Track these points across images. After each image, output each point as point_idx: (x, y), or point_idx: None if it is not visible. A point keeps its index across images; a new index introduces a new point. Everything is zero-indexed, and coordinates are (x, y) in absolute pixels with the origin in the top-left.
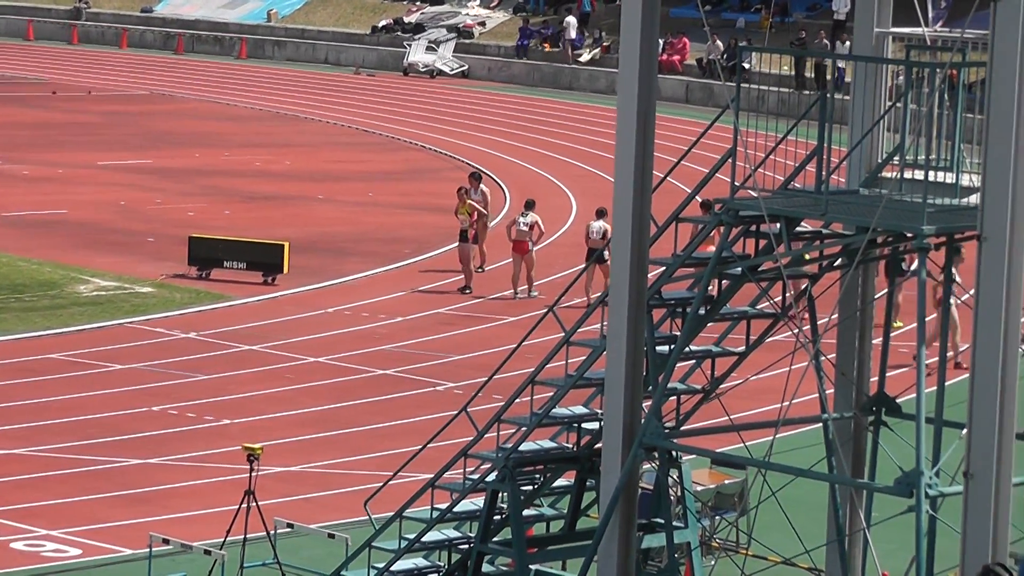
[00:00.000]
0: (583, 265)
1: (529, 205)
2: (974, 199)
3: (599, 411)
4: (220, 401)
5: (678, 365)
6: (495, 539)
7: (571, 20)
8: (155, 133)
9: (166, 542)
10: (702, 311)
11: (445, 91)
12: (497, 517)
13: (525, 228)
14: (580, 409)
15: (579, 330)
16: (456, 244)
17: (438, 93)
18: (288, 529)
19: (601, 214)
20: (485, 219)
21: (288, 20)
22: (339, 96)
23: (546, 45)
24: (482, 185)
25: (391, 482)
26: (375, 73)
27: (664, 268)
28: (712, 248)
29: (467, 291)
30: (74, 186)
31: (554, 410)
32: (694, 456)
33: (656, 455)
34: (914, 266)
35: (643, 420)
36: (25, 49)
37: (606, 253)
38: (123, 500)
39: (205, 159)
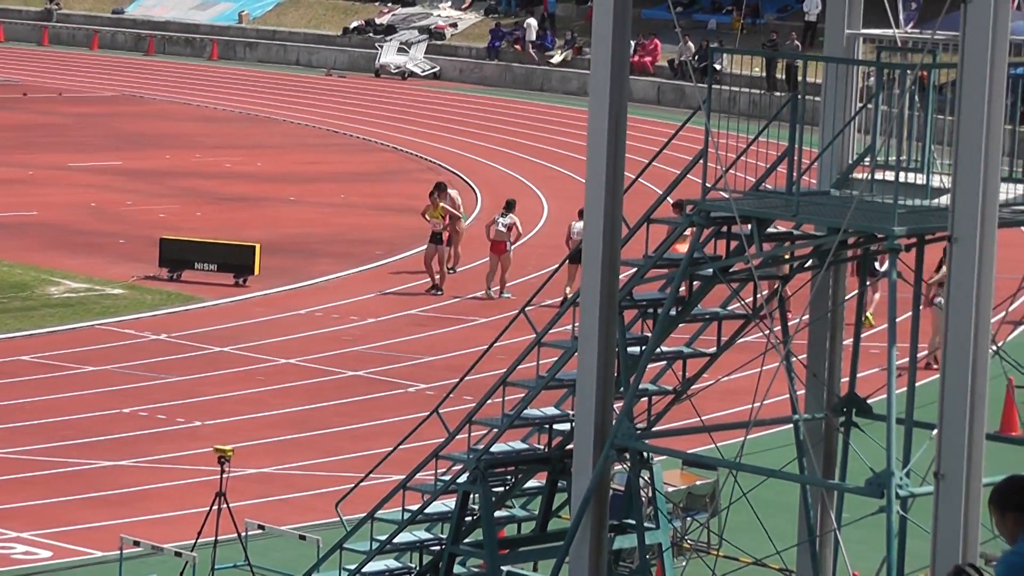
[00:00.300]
0: (555, 266)
1: (509, 206)
2: (944, 200)
3: (570, 412)
4: (191, 403)
5: (649, 366)
6: (467, 540)
7: (531, 22)
8: (126, 134)
9: (137, 544)
10: (673, 312)
11: (417, 92)
12: (469, 518)
13: (503, 229)
14: (551, 410)
15: (551, 331)
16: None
17: (410, 94)
18: (259, 531)
19: (584, 214)
20: (459, 221)
21: (259, 21)
22: (310, 97)
23: (517, 47)
24: (450, 191)
25: (363, 483)
26: (346, 74)
27: (636, 269)
28: (684, 249)
29: (438, 292)
30: (45, 187)
31: (526, 411)
32: (665, 457)
33: (627, 456)
34: (884, 267)
35: (614, 421)
36: None
37: None
38: (94, 502)
39: (176, 160)
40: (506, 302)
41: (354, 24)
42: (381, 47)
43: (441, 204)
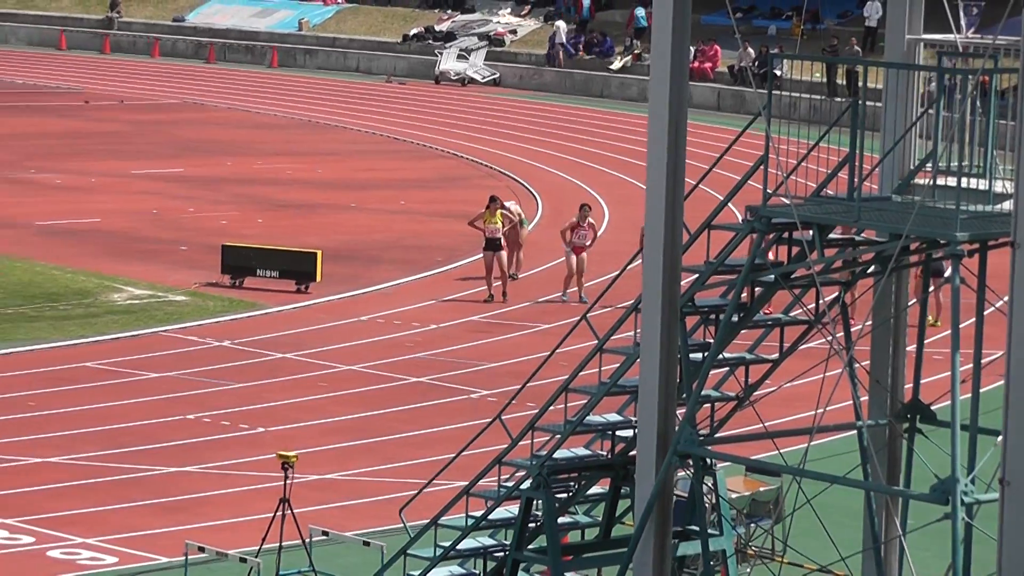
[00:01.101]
0: (616, 272)
1: (587, 208)
2: (1007, 205)
3: (633, 418)
4: (254, 409)
5: (712, 372)
6: (530, 547)
7: (560, 24)
8: (187, 142)
9: (202, 550)
10: (735, 318)
11: (476, 99)
12: (532, 525)
13: (586, 230)
14: (614, 416)
15: (613, 337)
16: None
17: (469, 101)
18: (323, 537)
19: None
20: (521, 227)
21: (319, 29)
22: (370, 104)
23: (581, 52)
24: (508, 203)
25: (426, 490)
26: (406, 81)
27: (697, 275)
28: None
29: (500, 299)
30: (107, 195)
31: (588, 417)
32: (728, 463)
33: (690, 462)
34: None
35: (677, 427)
36: (57, 59)
37: None
38: (159, 508)
39: (237, 167)
40: (565, 307)
41: (413, 31)
42: (440, 54)
43: (499, 211)
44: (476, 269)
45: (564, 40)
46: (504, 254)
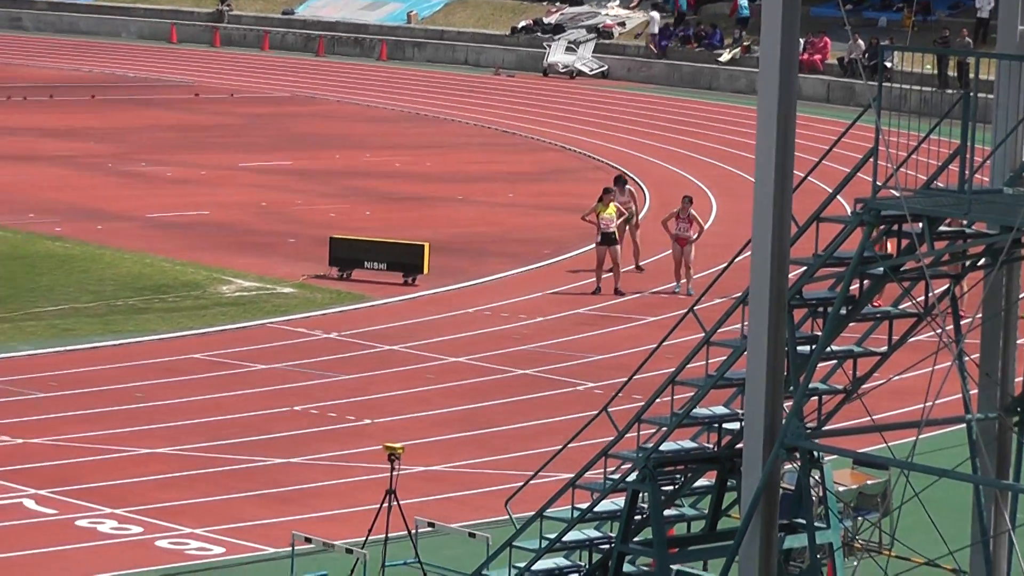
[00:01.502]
0: (724, 264)
1: (688, 200)
2: None
3: (740, 411)
4: (361, 401)
5: (819, 365)
6: (636, 539)
7: (655, 15)
8: (296, 134)
9: (308, 541)
10: (843, 311)
11: (584, 91)
12: (638, 517)
13: (687, 222)
14: (721, 409)
15: (719, 330)
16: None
17: (577, 93)
18: (429, 528)
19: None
20: (635, 219)
21: (428, 21)
22: (479, 97)
23: (692, 45)
24: (628, 187)
25: (532, 482)
26: (514, 74)
27: (805, 268)
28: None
29: (613, 293)
30: (216, 187)
31: (695, 410)
32: (836, 456)
33: (797, 455)
34: None
35: (784, 420)
36: (168, 52)
37: None
38: (266, 499)
39: (346, 160)
40: (672, 300)
41: (522, 23)
42: (549, 46)
43: (612, 203)
44: (584, 261)
45: (656, 31)
46: (619, 248)
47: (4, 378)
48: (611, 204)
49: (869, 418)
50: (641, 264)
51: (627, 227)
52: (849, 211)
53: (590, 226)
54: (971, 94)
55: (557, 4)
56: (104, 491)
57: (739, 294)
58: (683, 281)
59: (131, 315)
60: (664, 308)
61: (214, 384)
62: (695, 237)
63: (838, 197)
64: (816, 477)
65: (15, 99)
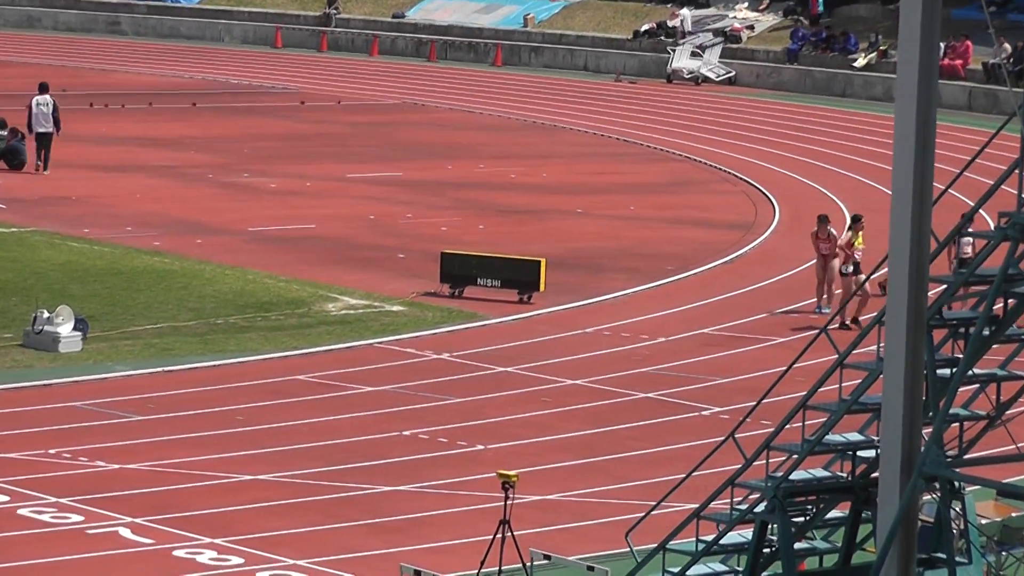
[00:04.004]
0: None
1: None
2: None
3: (875, 438)
4: (473, 425)
5: (960, 389)
6: (764, 574)
7: (685, 12)
8: (406, 144)
9: (418, 573)
10: (986, 332)
11: (710, 98)
12: (767, 550)
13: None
14: (855, 436)
15: (854, 352)
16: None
17: (703, 101)
18: (545, 561)
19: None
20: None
21: (545, 25)
22: (599, 105)
23: (823, 50)
24: (830, 227)
25: (654, 512)
26: (636, 80)
27: (945, 286)
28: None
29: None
30: (322, 200)
31: (827, 436)
32: (978, 487)
33: (937, 485)
34: None
35: (923, 448)
36: (273, 57)
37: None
38: (372, 529)
39: (458, 171)
40: (804, 319)
41: (644, 27)
42: (673, 51)
43: (861, 232)
44: (709, 279)
45: (690, 28)
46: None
47: (100, 400)
48: (860, 232)
49: (1014, 446)
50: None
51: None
52: (992, 225)
53: (715, 242)
54: None
55: (682, 7)
56: (203, 519)
57: (875, 313)
58: (824, 297)
59: (232, 334)
60: (794, 328)
61: (319, 407)
62: (837, 256)
63: (980, 211)
64: (957, 509)
65: (113, 107)
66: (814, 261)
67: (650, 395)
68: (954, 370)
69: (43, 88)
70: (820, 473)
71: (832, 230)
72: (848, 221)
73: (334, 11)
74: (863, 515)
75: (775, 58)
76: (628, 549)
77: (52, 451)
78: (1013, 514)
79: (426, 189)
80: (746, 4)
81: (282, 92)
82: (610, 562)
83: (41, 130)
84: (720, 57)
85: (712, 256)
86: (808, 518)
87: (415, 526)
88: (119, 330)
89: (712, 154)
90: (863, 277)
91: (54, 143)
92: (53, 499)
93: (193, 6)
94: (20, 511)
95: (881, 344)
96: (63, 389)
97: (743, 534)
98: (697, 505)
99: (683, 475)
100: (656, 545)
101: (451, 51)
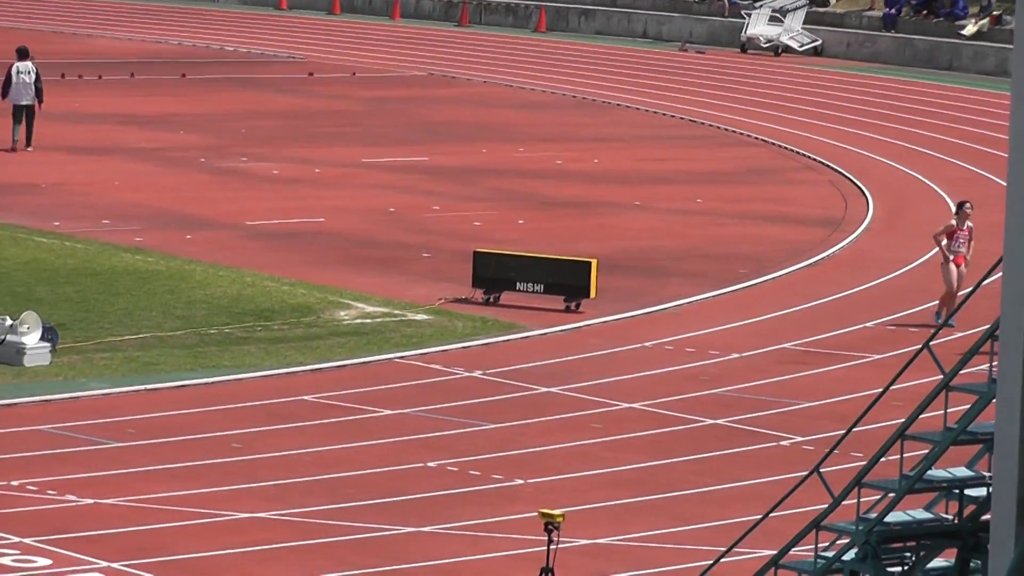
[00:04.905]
0: (970, 288)
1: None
2: None
3: (987, 474)
4: (511, 456)
5: None
6: None
7: None
8: (433, 124)
9: None
10: None
11: (792, 72)
12: None
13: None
14: (962, 471)
15: (962, 371)
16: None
17: (784, 74)
18: None
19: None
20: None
21: None
22: (660, 78)
23: (925, 15)
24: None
25: (723, 560)
26: (705, 49)
27: None
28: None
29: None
30: (333, 189)
31: (929, 472)
32: None
33: None
34: None
35: None
36: (277, 20)
37: None
38: None
39: (494, 156)
40: (904, 334)
41: None
42: (749, 16)
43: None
44: (790, 284)
45: None
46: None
47: (72, 423)
48: (967, 222)
49: None
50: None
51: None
52: None
53: (798, 241)
54: None
55: None
56: (192, 564)
57: (987, 326)
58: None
59: (227, 346)
60: (891, 343)
61: (329, 433)
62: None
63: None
64: None
65: (88, 78)
66: (917, 264)
67: (719, 421)
68: None
69: (23, 54)
70: (920, 515)
71: (971, 224)
72: (954, 208)
73: None
74: (971, 564)
75: (869, 24)
76: None
77: (15, 483)
78: None
79: (456, 177)
80: None
81: (287, 62)
82: None
83: (23, 102)
84: (804, 23)
85: (793, 258)
86: (906, 568)
87: (443, 573)
88: (94, 341)
89: (794, 137)
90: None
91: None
92: (16, 539)
93: None
94: None
95: (994, 364)
96: (28, 410)
97: None
98: (775, 552)
99: (759, 516)
100: None
101: (486, 14)
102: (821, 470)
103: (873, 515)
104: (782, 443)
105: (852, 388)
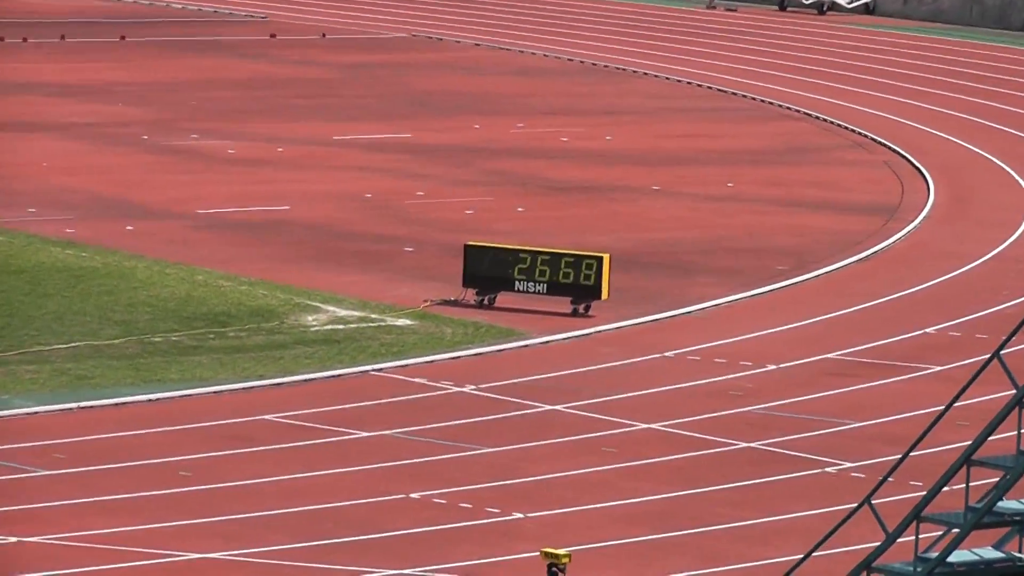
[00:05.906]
0: None
1: None
2: None
3: None
4: (509, 485)
5: None
6: None
7: None
8: (417, 94)
9: None
10: None
11: (840, 33)
12: None
13: None
14: None
15: None
16: None
17: (829, 36)
18: None
19: None
20: None
21: None
22: (684, 41)
23: None
24: None
25: None
26: (736, 7)
27: None
28: None
29: None
30: (300, 171)
31: (1000, 503)
32: None
33: None
34: None
35: None
36: None
37: None
38: None
39: (489, 132)
40: (973, 342)
41: None
42: None
43: None
44: (837, 281)
45: None
46: None
47: None
48: None
49: None
50: None
51: None
52: None
53: (846, 232)
54: None
55: None
56: None
57: None
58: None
59: (174, 357)
60: (955, 352)
61: (295, 459)
62: None
63: None
64: None
65: (11, 41)
66: (986, 258)
67: (754, 444)
68: None
69: None
70: (989, 553)
71: None
72: None
73: None
74: None
75: None
76: None
77: None
78: None
79: (444, 157)
80: None
81: (246, 21)
82: None
83: None
84: None
85: (840, 252)
86: None
87: None
88: (18, 351)
89: (841, 110)
90: None
91: None
92: None
93: None
94: None
95: None
96: None
97: None
98: None
99: (800, 556)
100: None
101: None
102: (873, 501)
103: (934, 554)
104: (827, 470)
105: (910, 405)
